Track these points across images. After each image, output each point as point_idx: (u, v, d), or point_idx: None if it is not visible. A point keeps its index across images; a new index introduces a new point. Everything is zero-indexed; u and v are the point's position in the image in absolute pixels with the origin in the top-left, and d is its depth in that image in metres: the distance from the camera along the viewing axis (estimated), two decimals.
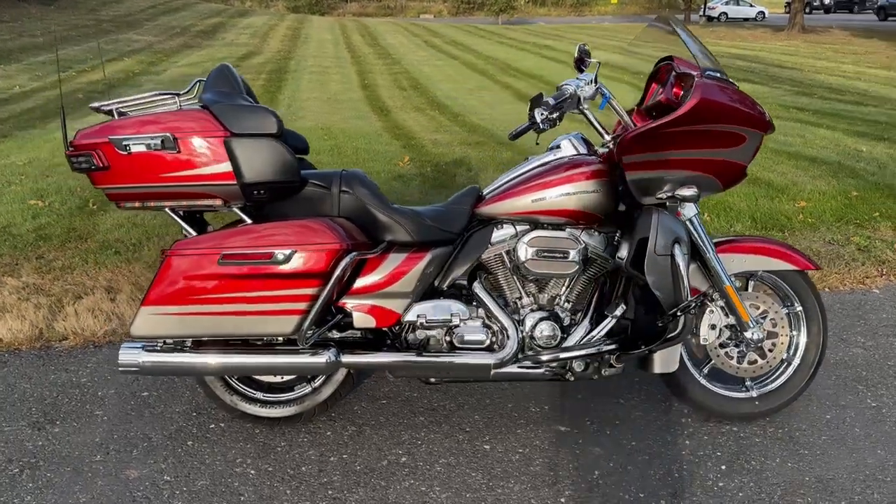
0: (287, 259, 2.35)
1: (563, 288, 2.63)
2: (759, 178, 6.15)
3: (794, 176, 6.32)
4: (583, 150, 2.65)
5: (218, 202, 2.41)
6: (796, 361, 2.75)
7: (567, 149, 2.65)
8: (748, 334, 2.62)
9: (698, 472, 2.47)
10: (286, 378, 2.71)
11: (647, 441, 2.64)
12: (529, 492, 2.37)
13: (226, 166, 2.33)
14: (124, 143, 2.29)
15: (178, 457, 2.54)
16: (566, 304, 2.63)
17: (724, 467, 2.50)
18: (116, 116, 2.36)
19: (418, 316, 2.51)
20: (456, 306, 2.53)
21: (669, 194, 2.47)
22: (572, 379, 2.60)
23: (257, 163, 2.34)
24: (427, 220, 2.56)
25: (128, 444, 2.61)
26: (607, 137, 2.68)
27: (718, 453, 2.57)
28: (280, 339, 2.52)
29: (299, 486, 2.39)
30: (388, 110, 10.46)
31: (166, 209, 2.45)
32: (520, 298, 2.63)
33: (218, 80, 2.53)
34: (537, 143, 3.01)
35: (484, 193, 2.66)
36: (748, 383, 2.76)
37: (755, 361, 2.71)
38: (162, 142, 2.28)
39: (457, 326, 2.54)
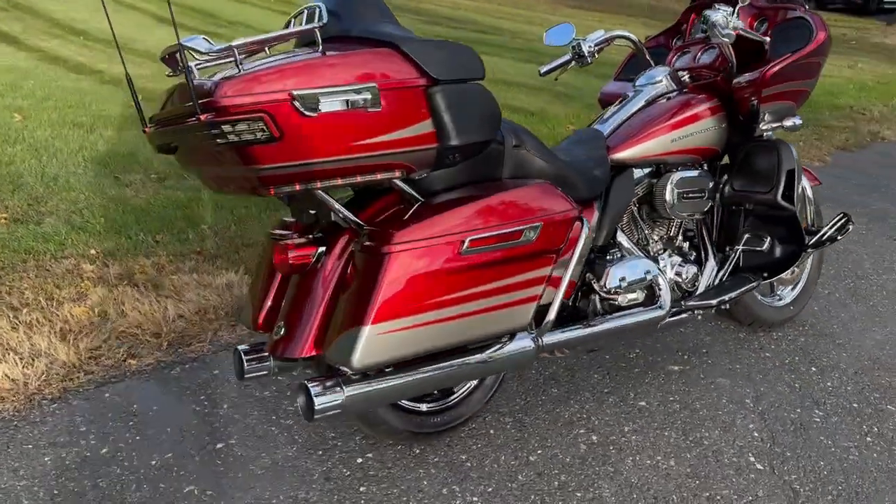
0: (534, 236, 1.92)
1: (677, 228, 2.59)
2: (511, 106, 6.58)
3: (531, 103, 6.89)
4: (676, 84, 2.59)
5: (397, 174, 1.83)
6: (809, 264, 3.14)
7: (668, 83, 2.57)
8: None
9: (808, 377, 2.72)
10: None
11: (745, 362, 2.80)
12: (726, 436, 2.36)
13: (427, 125, 1.77)
14: (318, 98, 1.60)
15: None
16: (685, 243, 2.61)
17: (814, 369, 2.79)
18: (240, 66, 1.62)
19: (620, 280, 2.25)
20: (646, 263, 2.33)
21: (776, 125, 2.58)
22: (700, 316, 2.62)
23: (466, 118, 1.82)
24: (589, 170, 2.29)
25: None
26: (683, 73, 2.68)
27: (797, 358, 2.85)
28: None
29: (542, 496, 2.05)
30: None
31: (319, 191, 1.79)
32: (647, 244, 2.53)
33: (355, 6, 1.89)
34: (556, 80, 2.88)
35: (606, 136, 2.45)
36: (780, 292, 3.08)
37: (794, 270, 3.02)
38: (371, 95, 1.66)
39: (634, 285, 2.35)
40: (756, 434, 2.38)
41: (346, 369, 1.81)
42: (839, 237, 2.66)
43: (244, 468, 2.09)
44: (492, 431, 2.31)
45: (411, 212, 1.88)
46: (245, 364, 2.06)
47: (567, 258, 2.05)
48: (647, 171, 2.48)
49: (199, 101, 1.55)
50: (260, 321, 2.07)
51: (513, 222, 1.88)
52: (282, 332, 1.91)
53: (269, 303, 2.07)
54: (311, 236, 1.97)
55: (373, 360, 1.76)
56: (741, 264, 2.69)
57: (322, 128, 1.63)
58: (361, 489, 2.04)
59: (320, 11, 1.77)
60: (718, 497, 2.09)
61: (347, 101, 1.63)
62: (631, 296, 2.31)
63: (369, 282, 1.76)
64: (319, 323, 1.87)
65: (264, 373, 2.10)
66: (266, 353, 2.09)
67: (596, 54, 2.63)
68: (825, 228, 2.62)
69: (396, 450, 2.19)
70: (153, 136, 1.92)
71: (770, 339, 2.98)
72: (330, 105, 1.61)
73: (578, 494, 2.07)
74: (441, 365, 1.95)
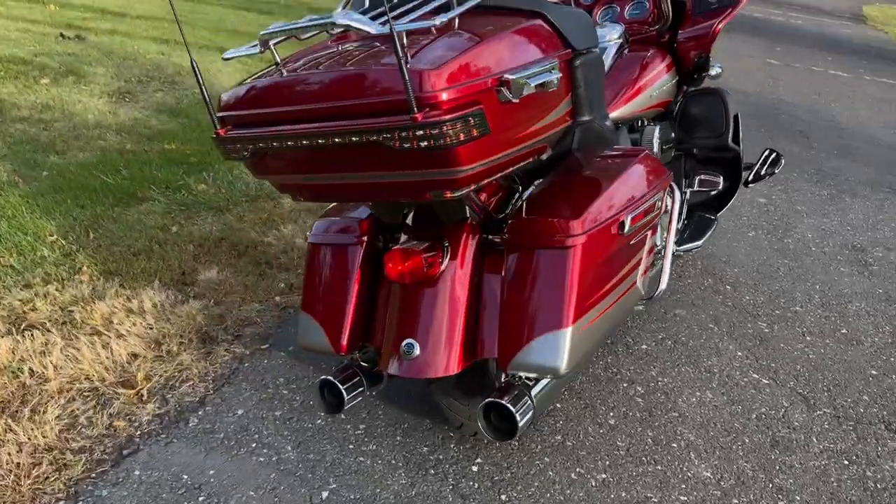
0: (660, 204, 1.91)
1: None
2: None
3: None
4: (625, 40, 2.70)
5: (531, 159, 1.72)
6: None
7: (624, 41, 2.66)
8: None
9: (730, 295, 3.10)
10: None
11: (681, 291, 3.09)
12: (722, 360, 2.62)
13: (567, 102, 1.70)
14: (525, 81, 1.46)
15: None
16: None
17: (728, 287, 3.19)
18: (405, 52, 1.38)
19: None
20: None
21: (704, 74, 2.83)
22: None
23: (594, 91, 1.76)
24: (609, 131, 2.30)
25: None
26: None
27: (710, 280, 3.23)
28: None
29: (651, 456, 2.11)
30: None
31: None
32: None
33: None
34: None
35: None
36: None
37: None
38: (559, 73, 1.56)
39: None
40: (739, 353, 2.69)
41: (540, 377, 1.69)
42: (775, 171, 3.03)
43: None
44: (558, 406, 2.29)
45: (553, 199, 1.76)
46: (346, 395, 1.80)
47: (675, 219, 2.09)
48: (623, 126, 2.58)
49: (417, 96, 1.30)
50: (344, 343, 1.81)
51: (649, 194, 1.86)
52: (416, 352, 1.69)
53: (350, 320, 1.82)
54: (413, 240, 1.76)
55: (576, 361, 1.65)
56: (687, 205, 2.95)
57: (518, 115, 1.50)
58: (503, 497, 1.92)
59: None
60: (763, 415, 2.34)
61: (544, 83, 1.49)
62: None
63: (554, 279, 1.62)
64: (464, 333, 1.70)
65: (359, 399, 1.86)
66: (356, 378, 1.84)
67: None
68: (757, 165, 2.97)
69: (494, 448, 2.08)
70: (233, 141, 1.55)
71: (677, 265, 3.32)
72: (530, 87, 1.46)
73: (674, 446, 2.17)
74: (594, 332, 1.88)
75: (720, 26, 2.65)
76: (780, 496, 1.99)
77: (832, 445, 2.22)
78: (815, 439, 2.24)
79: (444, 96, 1.33)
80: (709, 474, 2.06)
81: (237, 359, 2.37)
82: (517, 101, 1.44)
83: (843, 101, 7.32)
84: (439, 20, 1.37)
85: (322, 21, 1.41)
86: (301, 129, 1.44)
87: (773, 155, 3.08)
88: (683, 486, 2.01)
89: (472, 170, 1.44)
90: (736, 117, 2.78)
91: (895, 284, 3.32)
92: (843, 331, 2.89)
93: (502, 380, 1.76)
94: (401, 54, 1.28)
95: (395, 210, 1.81)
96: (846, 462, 2.15)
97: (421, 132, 1.32)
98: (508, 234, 1.69)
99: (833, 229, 3.95)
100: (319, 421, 2.13)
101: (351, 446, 2.04)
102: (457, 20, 1.52)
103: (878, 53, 10.94)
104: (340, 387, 1.80)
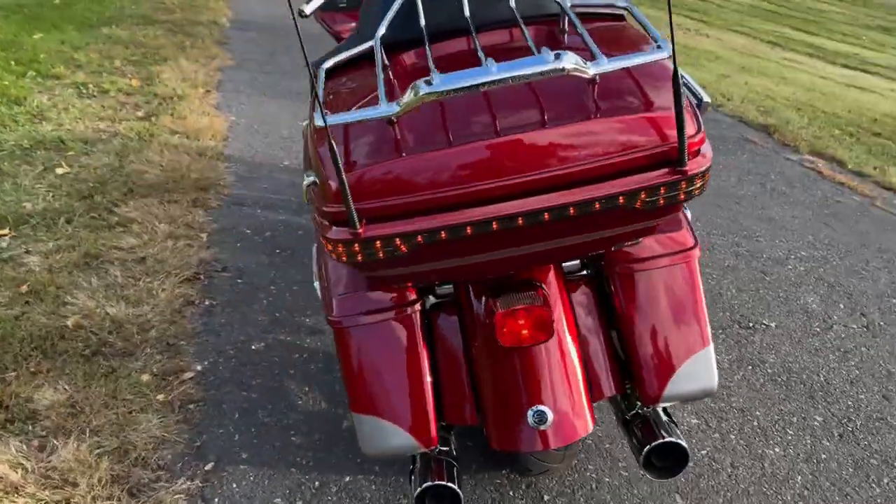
0: None
1: None
2: None
3: None
4: None
5: None
6: None
7: None
8: None
9: None
10: None
11: None
12: None
13: None
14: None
15: None
16: None
17: None
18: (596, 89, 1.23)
19: None
20: None
21: None
22: None
23: None
24: None
25: None
26: None
27: None
28: None
29: None
30: None
31: None
32: None
33: None
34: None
35: None
36: None
37: None
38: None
39: None
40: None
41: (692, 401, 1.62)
42: None
43: None
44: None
45: None
46: (461, 494, 1.52)
47: None
48: None
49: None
50: (434, 435, 1.53)
51: None
52: (549, 418, 1.48)
53: (432, 407, 1.53)
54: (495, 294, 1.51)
55: None
56: None
57: None
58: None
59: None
60: None
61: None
62: None
63: (684, 298, 1.53)
64: (585, 382, 1.55)
65: None
66: (454, 468, 1.57)
67: None
68: None
69: (547, 478, 1.95)
70: (382, 239, 1.18)
71: None
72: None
73: None
74: None
75: None
76: (748, 417, 2.27)
77: (729, 356, 2.57)
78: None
79: (696, 146, 1.18)
80: (696, 421, 2.24)
81: (197, 496, 1.76)
82: None
83: None
84: (666, 50, 1.14)
85: (545, 67, 1.06)
86: (527, 206, 1.12)
87: None
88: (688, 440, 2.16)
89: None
90: None
91: None
92: None
93: (626, 416, 1.65)
94: (683, 100, 1.06)
95: None
96: (749, 366, 2.52)
97: (682, 185, 1.15)
98: (610, 259, 1.53)
99: None
100: None
101: None
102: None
103: None
104: (455, 488, 1.49)
